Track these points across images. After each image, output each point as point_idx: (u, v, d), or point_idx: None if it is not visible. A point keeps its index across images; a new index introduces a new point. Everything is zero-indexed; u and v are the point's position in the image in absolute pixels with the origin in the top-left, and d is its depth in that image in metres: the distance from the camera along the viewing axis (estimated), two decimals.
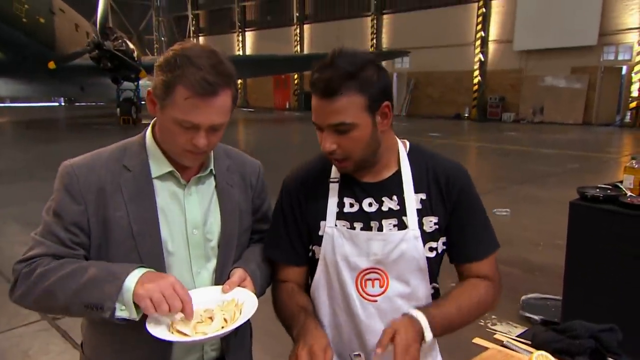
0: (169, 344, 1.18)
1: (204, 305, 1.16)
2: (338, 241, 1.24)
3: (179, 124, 1.10)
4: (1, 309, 3.76)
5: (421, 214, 1.24)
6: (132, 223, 1.16)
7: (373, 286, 1.25)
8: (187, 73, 1.06)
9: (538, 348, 1.37)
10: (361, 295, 1.26)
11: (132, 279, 1.06)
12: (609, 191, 2.90)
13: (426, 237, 1.24)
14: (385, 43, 25.41)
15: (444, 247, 1.30)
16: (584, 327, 1.41)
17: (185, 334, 1.07)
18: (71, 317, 1.15)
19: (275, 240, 1.33)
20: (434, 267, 1.28)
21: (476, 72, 21.72)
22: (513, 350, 1.41)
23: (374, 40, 25.41)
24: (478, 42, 21.49)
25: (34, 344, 3.26)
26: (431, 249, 1.26)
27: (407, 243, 1.22)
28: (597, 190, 2.92)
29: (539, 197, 7.42)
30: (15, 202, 7.17)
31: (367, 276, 1.24)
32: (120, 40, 17.57)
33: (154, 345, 1.15)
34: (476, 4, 21.47)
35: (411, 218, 1.23)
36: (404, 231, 1.22)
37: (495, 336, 1.51)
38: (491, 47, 21.56)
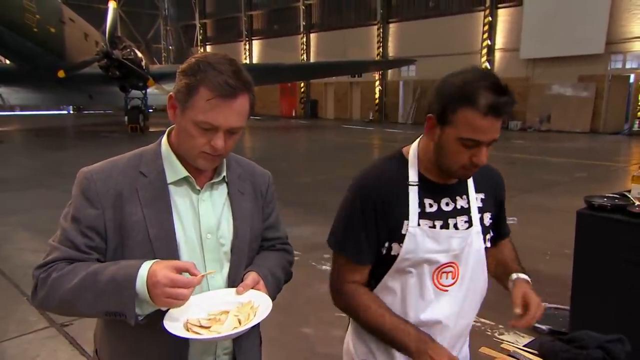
0: (185, 346, 1.22)
1: (221, 306, 1.20)
2: (421, 239, 1.34)
3: (199, 125, 1.15)
4: (10, 315, 3.79)
5: (482, 210, 1.44)
6: (149, 227, 1.19)
7: (447, 278, 1.38)
8: (209, 76, 1.12)
9: (545, 358, 1.37)
10: (436, 286, 1.38)
11: (141, 285, 1.09)
12: (616, 200, 2.88)
13: (485, 230, 1.44)
14: (391, 51, 25.50)
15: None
16: (591, 337, 1.40)
17: (199, 333, 1.12)
18: (96, 316, 1.22)
19: (355, 242, 1.39)
20: (487, 256, 1.45)
21: None
22: None
23: (380, 49, 25.52)
24: (484, 51, 21.54)
25: (42, 350, 3.28)
26: (489, 240, 1.45)
27: (474, 238, 1.39)
28: (605, 199, 2.90)
29: (546, 206, 7.38)
30: (24, 209, 7.24)
31: (444, 270, 1.37)
32: (128, 49, 17.75)
33: (170, 347, 1.19)
34: (482, 13, 21.54)
35: (475, 216, 1.41)
36: (472, 228, 1.39)
37: (502, 346, 1.51)
38: (498, 55, 21.59)
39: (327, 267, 4.76)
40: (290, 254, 1.50)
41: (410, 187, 1.36)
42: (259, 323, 1.16)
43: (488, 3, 21.26)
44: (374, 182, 1.38)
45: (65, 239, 1.18)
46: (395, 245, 1.36)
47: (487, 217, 1.45)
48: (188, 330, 1.12)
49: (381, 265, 1.39)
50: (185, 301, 1.10)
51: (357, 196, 1.38)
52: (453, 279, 1.38)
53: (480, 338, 3.38)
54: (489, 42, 21.43)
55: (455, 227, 1.37)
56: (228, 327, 1.13)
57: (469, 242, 1.37)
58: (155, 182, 1.22)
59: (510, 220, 6.41)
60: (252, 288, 1.24)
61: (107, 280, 1.10)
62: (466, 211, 1.40)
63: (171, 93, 1.20)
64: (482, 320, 3.63)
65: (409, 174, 1.37)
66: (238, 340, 1.31)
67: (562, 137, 17.73)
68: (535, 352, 1.45)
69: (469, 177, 1.38)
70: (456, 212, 1.39)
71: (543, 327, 3.43)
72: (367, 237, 1.36)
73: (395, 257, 1.36)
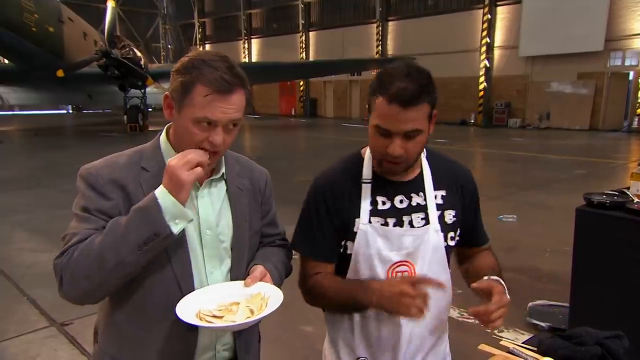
0: (194, 338, 1.25)
1: (231, 298, 1.22)
2: (372, 237, 1.33)
3: (197, 122, 1.16)
4: (10, 315, 3.80)
5: (443, 208, 1.40)
6: None
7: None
8: (205, 73, 1.14)
9: (544, 355, 1.37)
10: None
11: (162, 194, 1.12)
12: (615, 197, 2.88)
13: (447, 228, 1.40)
14: (390, 49, 25.48)
15: (459, 238, 1.45)
16: (590, 333, 1.40)
17: (212, 323, 1.14)
18: (126, 273, 1.14)
19: (310, 239, 1.40)
20: (449, 256, 1.43)
21: (482, 78, 21.73)
22: (519, 356, 1.41)
23: (379, 47, 25.49)
24: (483, 49, 21.51)
25: (42, 350, 3.28)
26: (452, 239, 1.42)
27: (430, 236, 1.36)
28: (604, 196, 2.90)
29: (545, 203, 7.39)
30: (23, 209, 7.23)
31: (398, 269, 1.35)
32: (127, 48, 17.74)
33: (180, 338, 1.22)
34: (481, 10, 21.52)
35: (432, 214, 1.38)
36: (428, 225, 1.37)
37: (501, 343, 1.51)
38: (497, 53, 21.56)
39: None
40: (289, 250, 1.52)
41: (363, 184, 1.37)
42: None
43: (487, 1, 21.22)
44: (327, 180, 1.40)
45: (82, 224, 1.17)
46: (349, 244, 1.37)
47: (450, 214, 1.41)
48: (201, 320, 1.14)
49: (342, 265, 1.40)
50: (203, 159, 1.13)
51: (311, 195, 1.41)
52: None
53: (478, 335, 3.38)
54: (488, 40, 21.39)
55: (411, 224, 1.36)
56: (241, 317, 1.15)
57: (424, 240, 1.35)
58: (158, 177, 1.22)
59: (510, 218, 6.43)
60: (260, 280, 1.27)
61: (131, 214, 1.13)
62: (423, 208, 1.38)
63: (167, 92, 1.20)
64: None
65: (363, 172, 1.38)
66: (239, 335, 1.33)
67: (562, 134, 17.73)
68: (535, 348, 1.45)
69: (395, 172, 1.33)
70: (411, 209, 1.37)
71: (543, 324, 3.43)
72: (324, 234, 1.38)
73: (350, 255, 1.37)
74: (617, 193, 2.97)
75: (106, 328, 1.31)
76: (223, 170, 1.32)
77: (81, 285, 1.13)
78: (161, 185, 1.13)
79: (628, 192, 2.91)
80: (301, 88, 30.08)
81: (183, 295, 1.19)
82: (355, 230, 1.35)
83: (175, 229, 1.12)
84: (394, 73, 1.22)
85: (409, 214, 1.36)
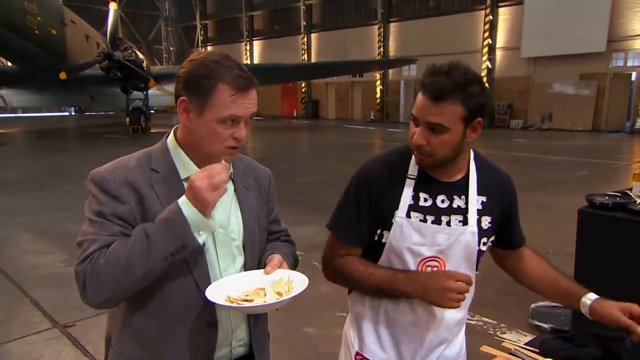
0: (214, 333, 1.28)
1: (255, 285, 1.25)
2: (407, 230, 1.38)
3: (222, 121, 1.20)
4: (13, 317, 3.81)
5: (480, 213, 1.44)
6: None
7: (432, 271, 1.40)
8: (224, 73, 1.19)
9: (546, 356, 1.38)
10: None
11: (186, 205, 1.14)
12: (618, 198, 2.88)
13: (482, 233, 1.44)
14: (392, 51, 25.48)
15: (491, 244, 1.50)
16: (592, 335, 1.41)
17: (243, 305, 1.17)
18: (150, 280, 1.17)
19: (346, 224, 1.45)
20: (479, 258, 1.47)
21: (484, 79, 21.67)
22: (521, 358, 1.41)
23: (381, 48, 25.50)
24: (485, 50, 21.51)
25: (45, 351, 3.29)
26: (484, 244, 1.46)
27: (465, 237, 1.40)
28: (606, 197, 2.90)
29: (548, 204, 7.38)
30: (26, 211, 7.25)
31: (428, 263, 1.40)
32: (129, 51, 17.78)
33: (202, 334, 1.26)
34: (483, 12, 21.51)
35: (472, 217, 1.41)
36: (465, 227, 1.41)
37: (503, 344, 1.51)
38: (499, 54, 21.55)
39: None
40: (294, 245, 1.56)
41: (407, 179, 1.40)
42: (267, 315, 1.23)
43: (489, 2, 21.23)
44: (374, 171, 1.44)
45: (99, 230, 1.18)
46: (385, 233, 1.41)
47: (486, 220, 1.45)
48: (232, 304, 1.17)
49: (374, 252, 1.44)
50: (226, 178, 1.16)
51: (356, 182, 1.45)
52: None
53: (481, 337, 3.38)
54: (490, 41, 21.38)
55: (448, 224, 1.40)
56: (272, 299, 1.18)
57: (458, 240, 1.39)
58: (169, 177, 1.25)
59: None
60: (278, 268, 1.31)
61: (157, 225, 1.15)
62: (462, 211, 1.41)
63: (182, 97, 1.21)
64: (484, 319, 3.64)
65: (409, 167, 1.42)
66: (254, 329, 1.38)
67: (564, 135, 17.71)
68: (537, 350, 1.45)
69: (423, 162, 1.37)
70: (451, 211, 1.41)
71: (545, 325, 3.43)
72: (359, 221, 1.42)
73: (384, 244, 1.42)
74: (619, 194, 2.97)
75: (124, 331, 1.30)
76: (231, 170, 1.34)
77: (107, 292, 1.14)
78: (183, 196, 1.15)
79: (630, 193, 2.91)
80: (303, 89, 30.10)
81: (201, 294, 1.21)
82: (393, 221, 1.39)
83: (200, 240, 1.16)
84: (437, 69, 1.27)
85: (448, 214, 1.40)
